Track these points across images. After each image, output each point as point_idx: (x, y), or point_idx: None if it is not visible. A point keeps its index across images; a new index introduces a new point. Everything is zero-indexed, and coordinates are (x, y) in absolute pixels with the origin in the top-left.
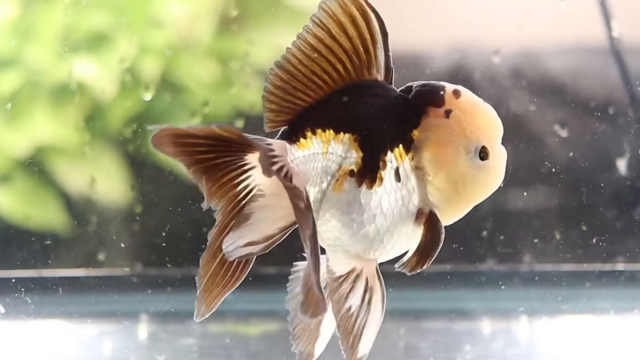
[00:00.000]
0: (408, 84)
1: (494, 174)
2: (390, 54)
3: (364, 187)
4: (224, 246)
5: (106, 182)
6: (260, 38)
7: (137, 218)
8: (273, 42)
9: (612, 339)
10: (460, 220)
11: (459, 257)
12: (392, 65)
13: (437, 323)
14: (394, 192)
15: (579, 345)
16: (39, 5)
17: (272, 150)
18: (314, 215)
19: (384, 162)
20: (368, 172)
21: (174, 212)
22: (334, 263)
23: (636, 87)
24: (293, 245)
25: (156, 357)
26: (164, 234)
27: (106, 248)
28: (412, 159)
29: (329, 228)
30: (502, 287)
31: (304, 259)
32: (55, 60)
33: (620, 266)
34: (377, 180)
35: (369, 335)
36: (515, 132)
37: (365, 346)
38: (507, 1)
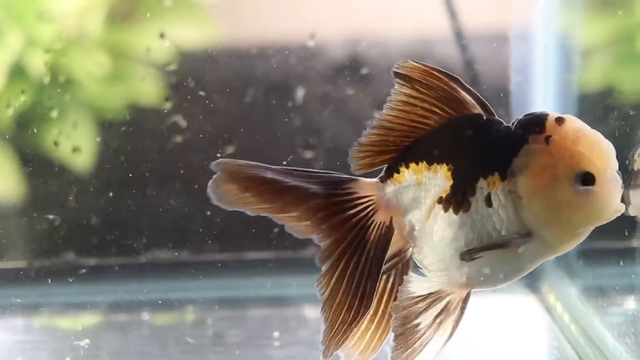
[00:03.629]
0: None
1: (598, 200)
2: (475, 91)
3: (450, 212)
4: None
5: None
6: (154, 30)
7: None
8: (167, 34)
9: None
10: None
11: (281, 244)
12: (483, 100)
13: (255, 311)
14: (484, 217)
15: None
16: None
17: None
18: (412, 243)
19: (474, 188)
20: (455, 198)
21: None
22: (416, 285)
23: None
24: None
25: None
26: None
27: None
28: (508, 185)
29: (424, 254)
30: None
31: None
32: None
33: None
34: (464, 205)
35: (428, 352)
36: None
37: None
38: None
